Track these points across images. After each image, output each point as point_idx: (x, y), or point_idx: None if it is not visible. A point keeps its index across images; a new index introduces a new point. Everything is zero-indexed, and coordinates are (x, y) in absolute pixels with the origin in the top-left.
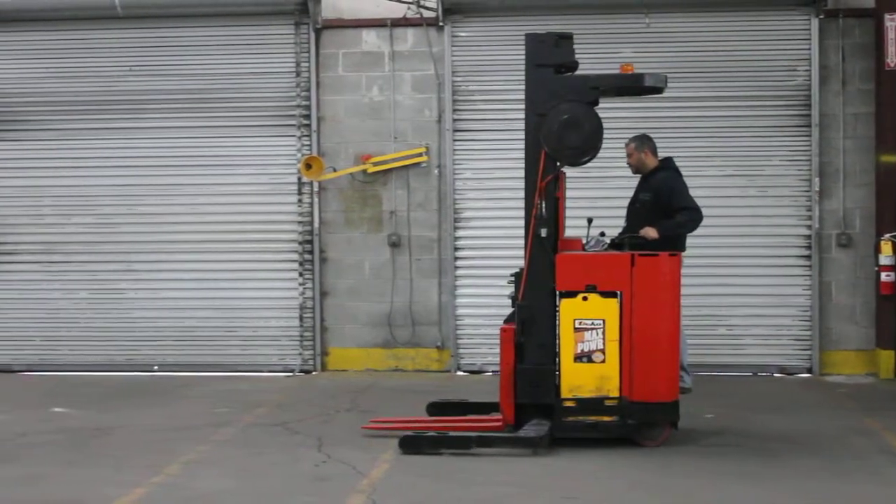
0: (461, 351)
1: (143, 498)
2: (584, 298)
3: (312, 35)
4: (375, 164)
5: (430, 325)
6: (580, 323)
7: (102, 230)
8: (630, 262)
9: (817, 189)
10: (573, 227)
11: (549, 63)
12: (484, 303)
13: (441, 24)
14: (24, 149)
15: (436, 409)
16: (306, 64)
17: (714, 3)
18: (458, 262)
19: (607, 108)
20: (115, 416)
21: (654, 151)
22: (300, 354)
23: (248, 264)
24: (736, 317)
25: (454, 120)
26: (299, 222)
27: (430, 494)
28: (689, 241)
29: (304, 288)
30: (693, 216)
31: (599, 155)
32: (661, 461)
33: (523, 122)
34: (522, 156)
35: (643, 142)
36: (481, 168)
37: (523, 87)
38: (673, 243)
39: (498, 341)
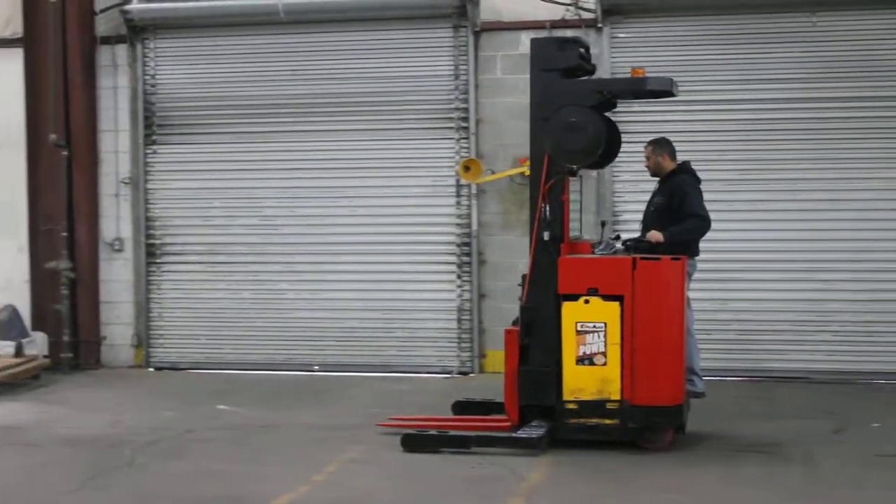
0: None
1: (305, 495)
2: (586, 301)
3: (471, 38)
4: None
5: None
6: (582, 326)
7: (266, 231)
8: (632, 265)
9: None
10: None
11: (553, 67)
12: None
13: (600, 25)
14: (191, 152)
15: (460, 407)
16: (465, 66)
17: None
18: None
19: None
20: (277, 414)
21: (673, 155)
22: (458, 356)
23: (407, 266)
24: None
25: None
26: (458, 224)
27: (590, 499)
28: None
29: (462, 290)
30: (699, 224)
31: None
32: None
33: (683, 122)
34: (683, 158)
35: (661, 145)
36: (639, 170)
37: (686, 87)
38: (683, 248)
39: None
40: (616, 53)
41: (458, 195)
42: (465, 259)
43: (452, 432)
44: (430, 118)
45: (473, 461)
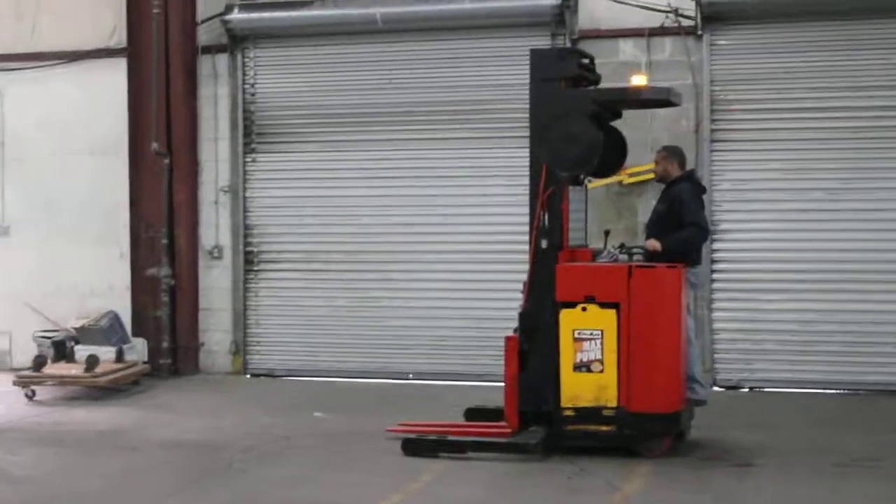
0: (717, 366)
1: None
2: (583, 309)
3: (569, 45)
4: (631, 174)
5: None
6: (579, 333)
7: (360, 239)
8: (628, 273)
9: None
10: None
11: (553, 77)
12: (742, 317)
13: (699, 32)
14: (289, 160)
15: (473, 414)
16: None
17: None
18: (715, 276)
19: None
20: (372, 421)
21: (682, 164)
22: None
23: (500, 274)
24: None
25: (712, 130)
26: None
27: None
28: None
29: None
30: (696, 233)
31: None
32: None
33: (785, 131)
34: (782, 167)
35: (672, 152)
36: (739, 179)
37: (786, 95)
38: (683, 257)
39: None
40: (716, 60)
41: None
42: None
43: (451, 437)
44: (525, 126)
45: (569, 471)
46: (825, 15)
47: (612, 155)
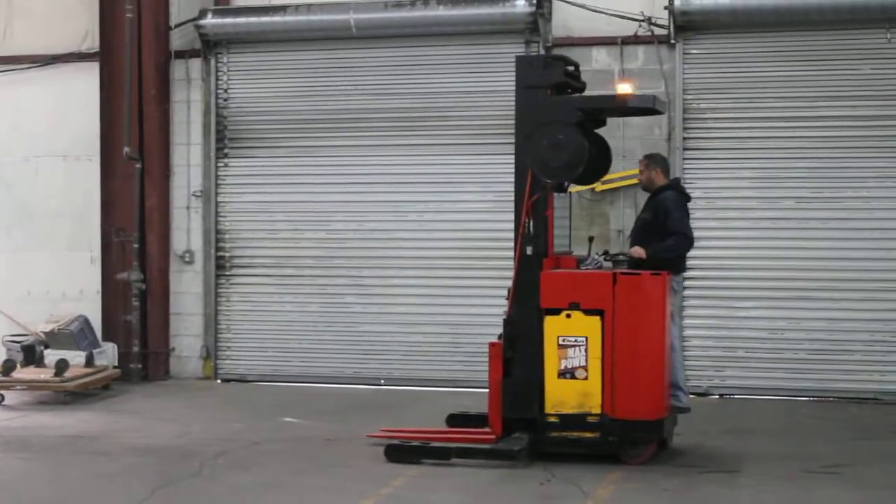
0: (687, 373)
1: None
2: (568, 316)
3: (543, 53)
4: (603, 182)
5: None
6: (563, 340)
7: (332, 245)
8: (612, 280)
9: None
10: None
11: (537, 85)
12: (713, 324)
13: (672, 41)
14: (261, 166)
15: (455, 420)
16: None
17: None
18: (686, 283)
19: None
20: (343, 427)
21: (666, 171)
22: None
23: (473, 281)
24: None
25: (684, 138)
26: None
27: None
28: None
29: None
30: (680, 241)
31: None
32: None
33: (757, 140)
34: (754, 175)
35: (655, 160)
36: (711, 187)
37: (758, 104)
38: (668, 264)
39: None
40: (689, 69)
41: None
42: None
43: (434, 444)
44: (500, 133)
45: (541, 477)
46: (797, 25)
47: (596, 162)
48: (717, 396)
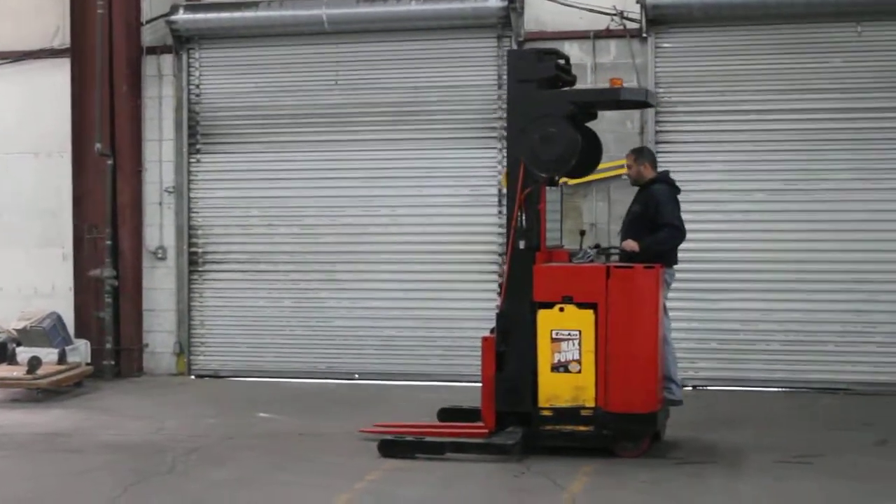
0: None
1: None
2: (561, 309)
3: (515, 48)
4: None
5: None
6: (557, 333)
7: (306, 240)
8: (605, 274)
9: None
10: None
11: (530, 78)
12: (686, 316)
13: (644, 35)
14: (234, 161)
15: (446, 414)
16: None
17: None
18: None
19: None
20: (318, 422)
21: (654, 165)
22: None
23: (449, 275)
24: None
25: (657, 132)
26: (499, 234)
27: None
28: None
29: None
30: (672, 234)
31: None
32: None
33: (728, 133)
34: (726, 168)
35: (643, 154)
36: (683, 180)
37: (730, 97)
38: (660, 257)
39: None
40: (661, 63)
41: (500, 204)
42: None
43: (429, 439)
44: (473, 127)
45: (516, 470)
46: (769, 18)
47: (587, 155)
48: (691, 388)
